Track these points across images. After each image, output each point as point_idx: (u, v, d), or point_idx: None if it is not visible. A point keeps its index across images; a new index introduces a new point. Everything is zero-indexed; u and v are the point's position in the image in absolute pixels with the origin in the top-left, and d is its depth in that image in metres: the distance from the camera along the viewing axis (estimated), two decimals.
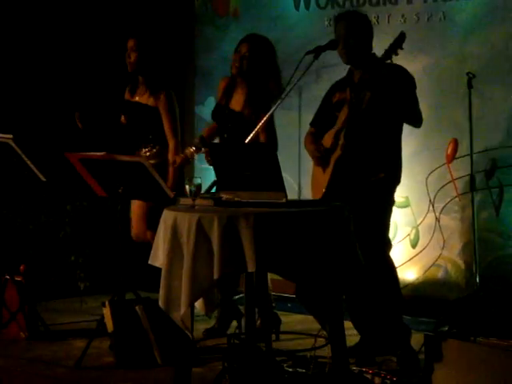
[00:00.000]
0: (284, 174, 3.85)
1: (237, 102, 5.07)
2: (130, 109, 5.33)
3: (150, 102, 5.23)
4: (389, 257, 4.57)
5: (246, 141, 4.41)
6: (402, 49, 4.35)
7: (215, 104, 5.27)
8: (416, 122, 4.55)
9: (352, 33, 4.50)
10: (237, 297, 5.75)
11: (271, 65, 5.03)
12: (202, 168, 6.38)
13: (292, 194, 5.44)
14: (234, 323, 5.18)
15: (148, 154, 5.22)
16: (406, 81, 4.46)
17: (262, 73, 5.00)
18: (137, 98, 5.31)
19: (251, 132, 4.44)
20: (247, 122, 4.92)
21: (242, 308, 5.26)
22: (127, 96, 5.38)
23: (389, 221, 4.57)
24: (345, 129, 4.43)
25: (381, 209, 4.51)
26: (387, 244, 4.57)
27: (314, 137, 4.72)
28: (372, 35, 4.58)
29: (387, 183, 4.53)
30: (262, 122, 4.41)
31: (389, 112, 4.42)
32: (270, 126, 4.90)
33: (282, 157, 3.89)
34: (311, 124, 4.81)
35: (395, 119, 4.49)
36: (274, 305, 5.26)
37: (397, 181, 4.58)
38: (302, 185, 6.04)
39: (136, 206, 5.32)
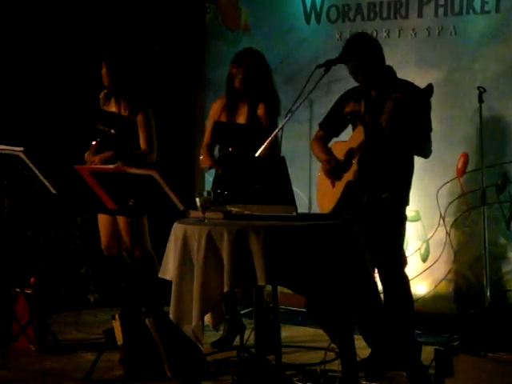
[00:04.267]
0: (294, 188, 3.86)
1: (241, 116, 5.11)
2: (108, 119, 5.36)
3: (127, 114, 5.31)
4: (404, 273, 4.56)
5: (256, 154, 4.42)
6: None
7: (214, 123, 5.25)
8: (425, 154, 4.58)
9: (362, 69, 4.50)
10: (245, 310, 5.75)
11: (268, 81, 5.11)
12: (211, 181, 6.38)
13: (302, 208, 5.43)
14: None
15: None
16: (422, 103, 4.44)
17: (262, 86, 5.08)
18: (113, 109, 5.37)
19: (257, 143, 4.48)
20: (254, 133, 4.98)
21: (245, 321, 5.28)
22: (102, 102, 5.45)
23: (401, 237, 4.57)
24: (359, 154, 4.43)
25: (391, 226, 4.51)
26: (402, 260, 4.57)
27: (324, 141, 4.74)
28: (381, 53, 4.56)
29: (394, 202, 4.53)
30: (272, 135, 4.43)
31: (404, 141, 4.43)
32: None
33: (292, 170, 3.89)
34: (321, 126, 4.83)
35: (409, 148, 4.50)
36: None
37: (404, 202, 4.58)
38: (312, 198, 6.03)
39: (108, 220, 5.35)
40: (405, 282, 4.56)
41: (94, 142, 5.29)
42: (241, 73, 5.06)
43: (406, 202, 4.59)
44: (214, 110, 5.30)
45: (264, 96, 5.10)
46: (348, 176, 4.49)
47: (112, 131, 5.29)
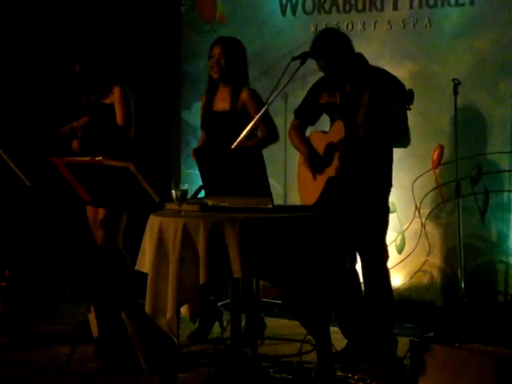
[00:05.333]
0: (270, 180, 3.86)
1: (223, 103, 5.09)
2: (89, 110, 5.35)
3: (106, 101, 5.32)
4: (386, 266, 4.59)
5: (233, 146, 4.42)
6: (409, 109, 4.27)
7: (202, 115, 5.26)
8: (404, 145, 4.60)
9: (334, 65, 4.50)
10: (222, 302, 5.75)
11: (243, 65, 5.09)
12: (188, 173, 6.37)
13: (278, 200, 5.44)
14: (217, 325, 5.18)
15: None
16: (396, 92, 4.44)
17: (241, 70, 5.07)
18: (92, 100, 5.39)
19: (243, 128, 4.50)
20: (238, 119, 4.96)
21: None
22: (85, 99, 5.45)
23: (385, 229, 4.59)
24: (340, 151, 4.43)
25: (375, 216, 4.53)
26: (386, 254, 4.59)
27: (301, 130, 4.76)
28: (350, 46, 4.56)
29: (377, 193, 4.55)
30: (248, 128, 4.42)
31: (383, 137, 4.43)
32: (267, 117, 4.95)
33: (268, 162, 3.89)
34: (296, 115, 4.83)
35: (388, 142, 4.52)
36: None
37: (390, 186, 4.61)
38: (288, 190, 6.04)
39: (92, 211, 5.35)
40: (386, 274, 4.58)
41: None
42: (221, 57, 5.03)
43: (388, 191, 4.60)
44: (202, 104, 5.27)
45: (245, 81, 5.10)
46: (330, 172, 4.50)
47: (78, 134, 5.27)
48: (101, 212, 5.29)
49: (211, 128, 5.11)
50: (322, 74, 4.72)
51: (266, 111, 4.94)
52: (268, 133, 5.01)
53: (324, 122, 4.82)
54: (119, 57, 5.56)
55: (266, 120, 4.95)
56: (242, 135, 4.43)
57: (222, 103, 5.09)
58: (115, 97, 5.27)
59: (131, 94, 5.33)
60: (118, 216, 5.17)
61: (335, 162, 4.45)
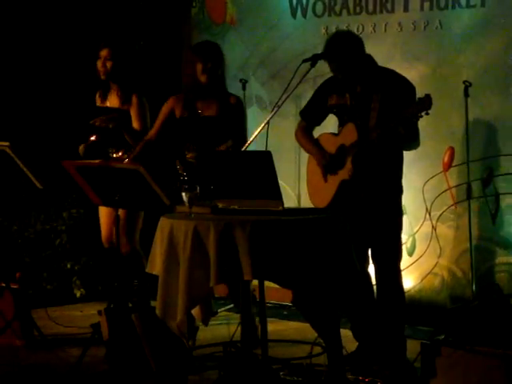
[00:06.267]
0: (281, 182, 3.86)
1: (209, 109, 5.03)
2: (102, 114, 5.34)
3: (122, 107, 5.30)
4: (399, 267, 4.59)
5: (243, 149, 4.43)
6: (427, 114, 4.22)
7: (166, 119, 5.16)
8: (414, 147, 4.60)
9: (346, 67, 4.48)
10: (227, 307, 5.75)
11: (223, 72, 5.08)
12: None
13: (290, 203, 5.44)
14: None
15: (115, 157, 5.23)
16: (407, 93, 4.44)
17: (223, 77, 5.05)
18: (107, 104, 5.36)
19: (224, 136, 4.47)
20: (224, 124, 4.95)
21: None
22: (98, 102, 5.42)
23: (400, 230, 4.59)
24: (353, 154, 4.43)
25: (390, 217, 4.53)
26: (400, 254, 4.59)
27: (308, 132, 4.75)
28: (363, 50, 4.53)
29: (391, 193, 4.55)
30: (258, 131, 4.42)
31: (396, 139, 4.42)
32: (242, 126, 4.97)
33: (279, 165, 3.89)
34: (303, 116, 4.79)
35: (400, 144, 4.51)
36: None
37: (400, 191, 4.60)
38: (300, 193, 6.03)
39: (108, 211, 5.35)
40: (399, 275, 4.58)
41: (92, 137, 5.28)
42: (211, 66, 4.99)
43: (401, 191, 4.60)
44: (168, 107, 5.15)
45: (225, 88, 5.09)
46: (343, 174, 4.48)
47: (110, 125, 5.26)
48: (121, 213, 5.28)
49: (194, 131, 5.05)
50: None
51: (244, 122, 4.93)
52: (236, 143, 4.97)
53: (328, 122, 4.81)
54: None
55: (240, 130, 4.95)
56: (250, 140, 4.43)
57: (207, 109, 5.02)
58: (132, 106, 5.27)
59: (147, 104, 5.32)
60: (135, 217, 5.18)
61: (348, 165, 4.44)
